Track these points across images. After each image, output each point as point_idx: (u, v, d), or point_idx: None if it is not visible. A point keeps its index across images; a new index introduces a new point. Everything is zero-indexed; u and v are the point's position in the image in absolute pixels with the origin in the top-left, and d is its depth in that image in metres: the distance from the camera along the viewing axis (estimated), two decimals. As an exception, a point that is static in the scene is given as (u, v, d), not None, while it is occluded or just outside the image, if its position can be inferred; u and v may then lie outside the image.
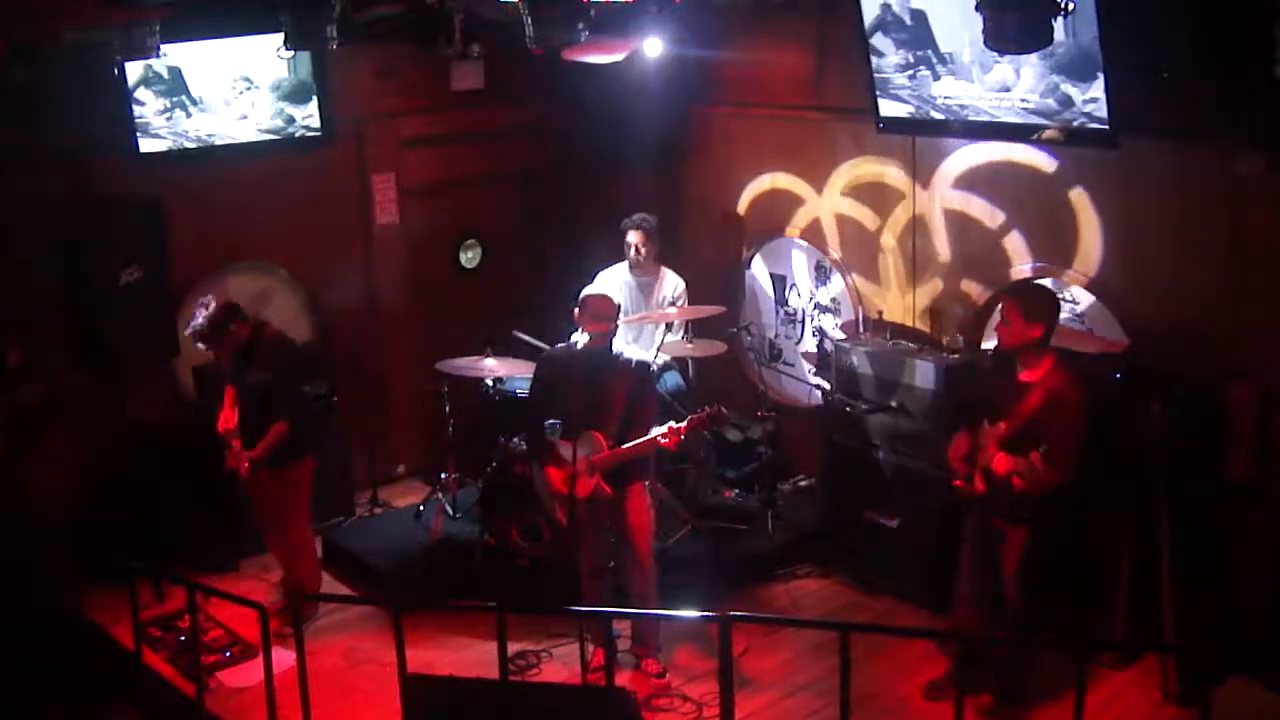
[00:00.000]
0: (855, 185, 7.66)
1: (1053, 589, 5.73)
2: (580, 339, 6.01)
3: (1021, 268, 6.86)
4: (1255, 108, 5.34)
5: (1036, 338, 5.46)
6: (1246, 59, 5.19)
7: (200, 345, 6.49)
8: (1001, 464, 5.40)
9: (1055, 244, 6.67)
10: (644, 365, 6.10)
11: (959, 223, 7.14)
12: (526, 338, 7.65)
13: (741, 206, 8.33)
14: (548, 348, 7.10)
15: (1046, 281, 6.69)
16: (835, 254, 7.86)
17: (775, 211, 8.17)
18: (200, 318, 6.34)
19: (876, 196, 7.55)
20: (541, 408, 6.10)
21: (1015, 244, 6.88)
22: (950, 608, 5.98)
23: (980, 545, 5.73)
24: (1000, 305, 5.73)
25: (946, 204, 7.17)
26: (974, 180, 7.02)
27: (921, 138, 7.08)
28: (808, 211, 7.96)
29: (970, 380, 6.38)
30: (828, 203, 7.84)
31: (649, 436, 5.85)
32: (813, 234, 7.98)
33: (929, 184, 7.23)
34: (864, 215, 7.65)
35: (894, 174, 7.40)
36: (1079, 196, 6.53)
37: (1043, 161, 6.62)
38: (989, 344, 6.93)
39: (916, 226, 7.34)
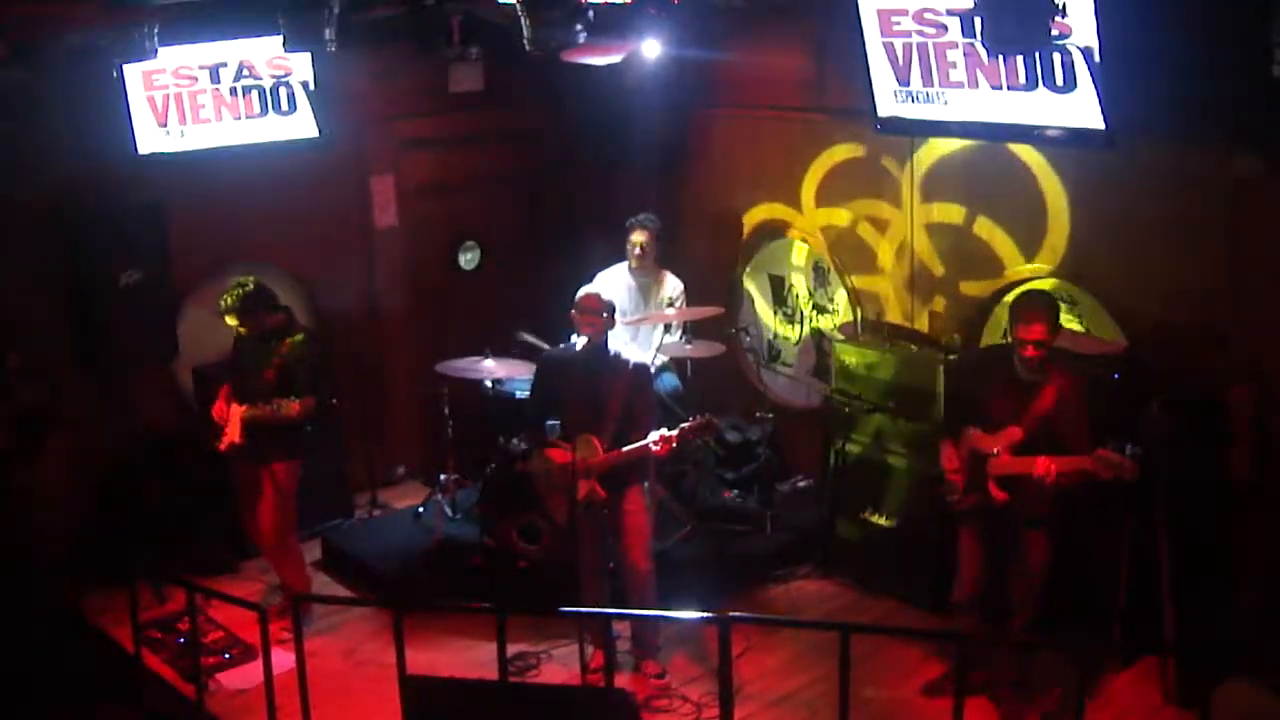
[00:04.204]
0: (854, 186, 7.66)
1: (1053, 590, 5.74)
2: (579, 340, 6.01)
3: (1020, 268, 6.87)
4: (1255, 108, 5.35)
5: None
6: (1246, 59, 5.19)
7: (228, 319, 6.53)
8: (1047, 466, 5.22)
9: (1055, 245, 6.67)
10: (642, 368, 6.09)
11: (958, 224, 7.15)
12: (530, 338, 7.65)
13: (739, 209, 8.34)
14: (549, 348, 7.16)
15: (1047, 283, 6.72)
16: (833, 255, 7.87)
17: (775, 214, 8.17)
18: (234, 293, 6.46)
19: (875, 198, 7.55)
20: (541, 407, 6.11)
21: (1014, 245, 6.89)
22: (948, 609, 5.98)
23: (991, 551, 5.70)
24: (1021, 323, 5.38)
25: (945, 206, 7.18)
26: (973, 181, 7.03)
27: (920, 139, 7.09)
28: (807, 214, 7.97)
29: (958, 385, 6.34)
30: (826, 205, 7.85)
31: (642, 443, 5.84)
32: (811, 235, 7.99)
33: (928, 186, 7.24)
34: (863, 215, 7.66)
35: (893, 175, 7.40)
36: (1078, 197, 6.53)
37: (1041, 162, 6.63)
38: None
39: (915, 228, 7.34)
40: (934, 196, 7.22)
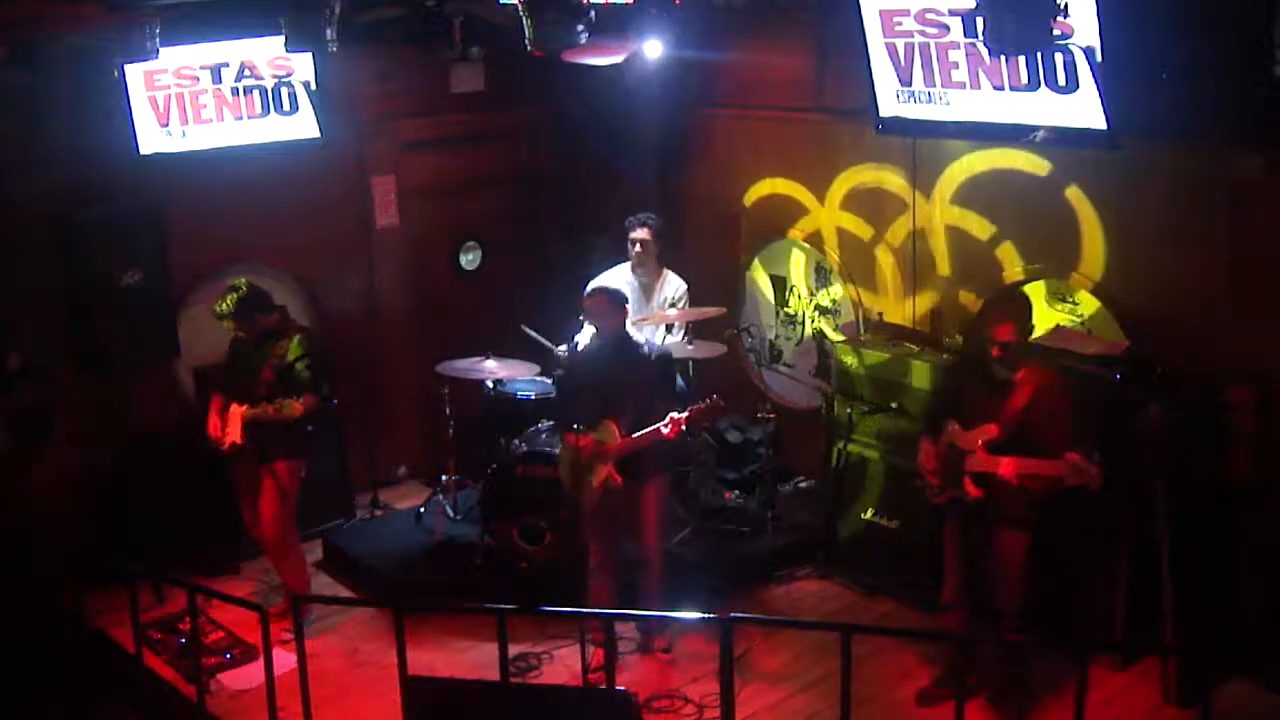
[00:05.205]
0: (856, 187, 7.66)
1: (1053, 589, 5.73)
2: (583, 338, 6.06)
3: (1017, 270, 6.87)
4: (1255, 108, 5.35)
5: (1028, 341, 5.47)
6: (1246, 60, 5.20)
7: (225, 323, 6.54)
8: (1009, 468, 5.27)
9: (1055, 246, 6.67)
10: (664, 356, 6.23)
11: (958, 226, 7.14)
12: (534, 334, 7.65)
13: (742, 209, 8.34)
14: (552, 345, 7.35)
15: (1042, 284, 6.72)
16: (835, 256, 7.86)
17: (776, 214, 8.16)
18: (230, 298, 6.44)
19: (877, 199, 7.55)
20: (566, 409, 6.24)
21: (1014, 247, 6.89)
22: (935, 609, 5.97)
23: (970, 548, 5.71)
24: (989, 322, 5.51)
25: (946, 208, 7.17)
26: (973, 184, 7.02)
27: (922, 140, 7.08)
28: (809, 215, 7.97)
29: (943, 382, 6.38)
30: (828, 206, 7.84)
31: (653, 427, 5.93)
32: (813, 237, 7.98)
33: (929, 188, 7.23)
34: (864, 217, 7.65)
35: (894, 176, 7.40)
36: (1078, 198, 6.53)
37: (1042, 164, 6.63)
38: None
39: (917, 229, 7.34)
40: (945, 202, 7.20)
